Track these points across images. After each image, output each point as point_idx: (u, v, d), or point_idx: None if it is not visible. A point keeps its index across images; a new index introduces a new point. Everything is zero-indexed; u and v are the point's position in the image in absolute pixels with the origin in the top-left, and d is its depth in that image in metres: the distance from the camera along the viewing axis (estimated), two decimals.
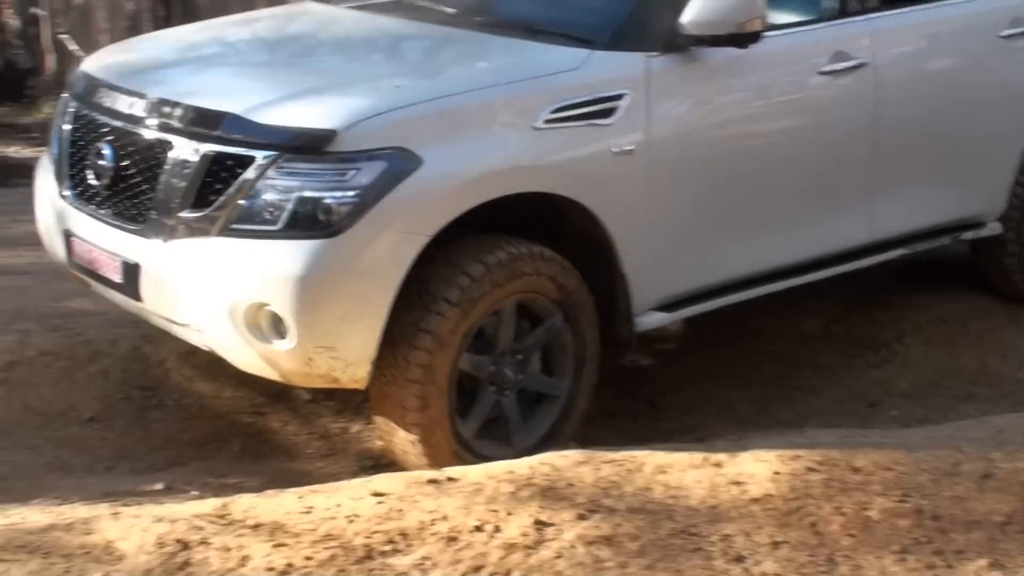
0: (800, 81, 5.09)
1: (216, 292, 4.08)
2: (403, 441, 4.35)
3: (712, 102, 4.79)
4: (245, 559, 3.63)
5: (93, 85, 4.67)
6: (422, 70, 4.77)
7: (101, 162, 4.43)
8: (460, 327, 4.20)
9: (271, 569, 3.59)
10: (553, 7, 5.06)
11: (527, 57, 4.59)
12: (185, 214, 4.13)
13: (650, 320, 4.74)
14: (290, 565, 3.60)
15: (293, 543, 3.72)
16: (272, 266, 3.98)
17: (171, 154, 4.21)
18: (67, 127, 4.70)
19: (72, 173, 4.63)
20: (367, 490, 4.03)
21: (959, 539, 3.87)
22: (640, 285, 4.61)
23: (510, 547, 3.78)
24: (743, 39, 4.54)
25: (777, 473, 4.23)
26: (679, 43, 4.57)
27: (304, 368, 4.12)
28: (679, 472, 4.22)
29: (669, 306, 4.80)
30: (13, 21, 15.82)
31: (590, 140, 4.41)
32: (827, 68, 5.07)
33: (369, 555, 3.69)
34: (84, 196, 4.54)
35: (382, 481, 4.11)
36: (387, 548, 3.73)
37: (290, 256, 3.97)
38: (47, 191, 4.83)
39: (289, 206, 3.99)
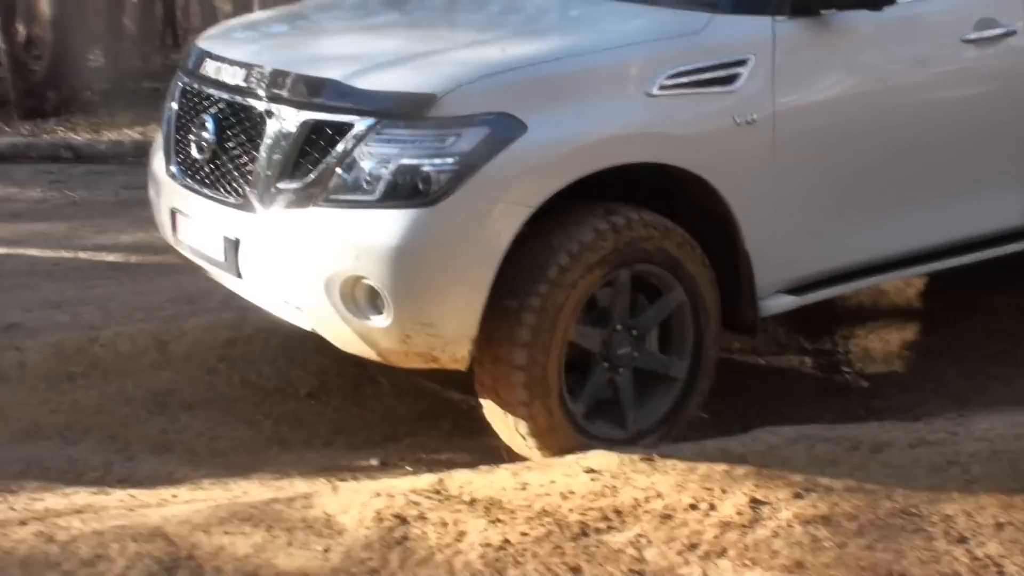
0: (941, 50, 4.75)
1: (313, 266, 3.94)
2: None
3: (844, 70, 4.51)
4: (462, 534, 3.62)
5: (201, 58, 4.59)
6: (532, 33, 4.54)
7: (204, 135, 4.34)
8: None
9: (488, 544, 3.58)
10: None
11: (644, 21, 4.40)
12: (283, 185, 4.00)
13: (777, 303, 4.47)
14: (507, 541, 3.58)
15: (508, 519, 3.71)
16: (368, 237, 3.82)
17: (271, 123, 4.09)
18: (175, 104, 4.64)
19: (178, 149, 4.56)
20: (580, 467, 3.99)
21: None
22: (765, 266, 4.34)
23: (725, 525, 3.73)
24: (877, 1, 4.30)
25: (997, 452, 4.10)
26: (809, 6, 4.33)
27: (402, 346, 3.93)
28: (897, 451, 4.14)
29: (797, 290, 4.53)
30: None
31: (710, 108, 4.18)
32: (972, 36, 4.73)
33: (584, 532, 3.66)
34: (188, 172, 4.46)
35: (595, 458, 4.06)
36: (602, 525, 3.69)
37: (386, 227, 3.80)
38: (156, 169, 4.77)
39: (387, 175, 3.82)
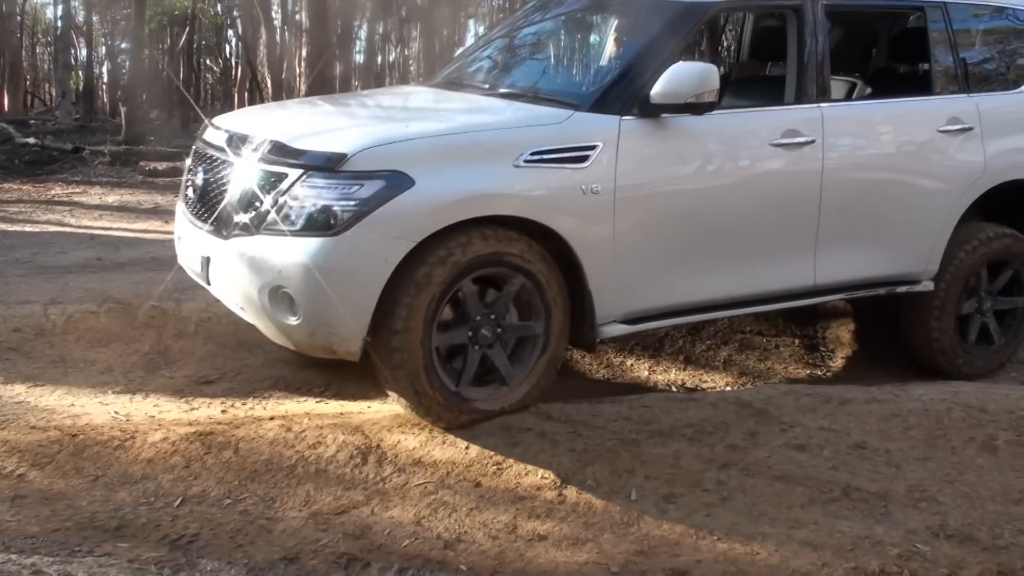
0: (753, 149, 4.71)
1: (252, 278, 4.11)
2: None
3: (672, 159, 4.51)
4: (553, 440, 4.15)
5: (206, 127, 4.80)
6: (434, 117, 4.70)
7: (197, 180, 4.55)
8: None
9: (572, 450, 4.09)
10: (552, 81, 5.03)
11: (519, 113, 4.53)
12: (239, 218, 4.17)
13: (612, 330, 4.46)
14: (588, 448, 4.09)
15: (586, 433, 4.21)
16: (288, 257, 3.98)
17: (235, 172, 4.28)
18: (189, 159, 4.84)
19: (186, 192, 4.74)
20: (638, 403, 4.48)
21: None
22: (604, 301, 4.38)
23: (733, 447, 4.18)
24: (699, 108, 4.36)
25: (927, 410, 4.47)
26: (648, 109, 4.38)
27: (308, 340, 4.10)
28: (857, 404, 4.51)
29: (631, 320, 4.51)
30: None
31: (563, 179, 4.22)
32: (779, 141, 4.71)
33: (635, 443, 4.13)
34: (189, 208, 4.63)
35: (647, 398, 4.55)
36: (648, 440, 4.17)
37: (301, 250, 3.95)
38: (177, 210, 4.94)
39: (306, 211, 3.97)
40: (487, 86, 5.06)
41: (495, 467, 4.01)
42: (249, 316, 4.28)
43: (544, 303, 4.30)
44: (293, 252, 3.97)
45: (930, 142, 5.16)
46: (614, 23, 5.19)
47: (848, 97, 5.43)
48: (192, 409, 4.73)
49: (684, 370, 5.70)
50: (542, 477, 3.96)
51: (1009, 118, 5.45)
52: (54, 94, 21.83)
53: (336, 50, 19.38)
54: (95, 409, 4.69)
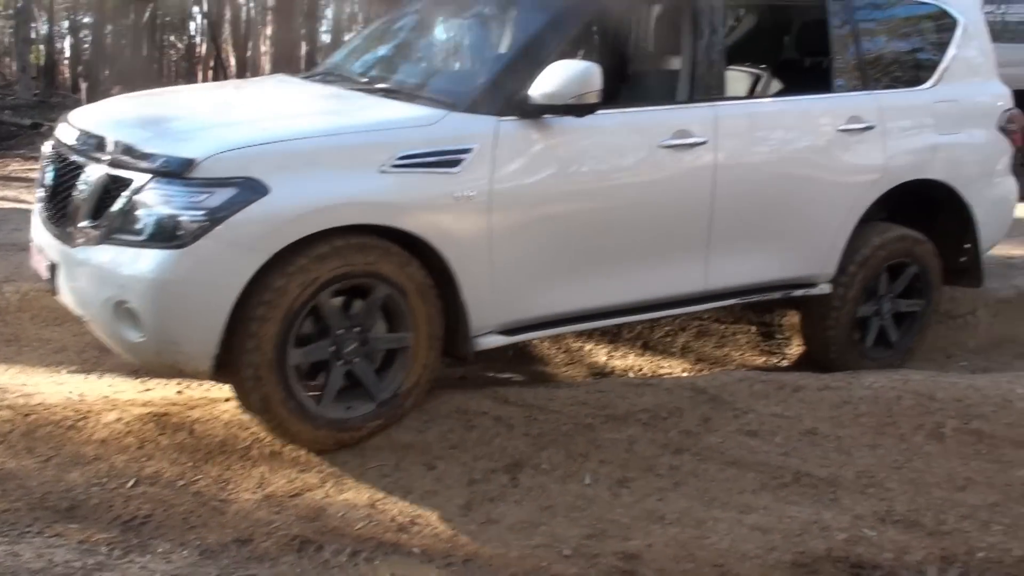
0: (640, 151, 4.47)
1: (96, 290, 3.83)
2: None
3: (554, 162, 4.24)
4: (508, 424, 4.17)
5: (59, 123, 4.49)
6: (298, 117, 4.30)
7: (46, 181, 4.27)
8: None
9: (527, 434, 4.13)
10: (432, 78, 4.73)
11: (388, 114, 4.20)
12: (84, 224, 3.88)
13: (489, 341, 4.24)
14: (543, 432, 4.14)
15: (542, 417, 4.25)
16: (132, 270, 3.69)
17: (82, 175, 3.97)
18: (43, 159, 4.47)
19: (38, 195, 4.44)
20: (594, 388, 4.53)
21: (1009, 453, 4.12)
22: (480, 311, 4.15)
23: (687, 432, 4.21)
24: (580, 110, 4.12)
25: (878, 398, 4.53)
26: (528, 110, 4.14)
27: (155, 358, 3.83)
28: (810, 391, 4.56)
29: (510, 331, 4.30)
30: None
31: (434, 185, 3.97)
32: (668, 143, 4.49)
33: (590, 427, 4.19)
34: (41, 209, 4.33)
35: (603, 383, 4.66)
36: (605, 425, 4.21)
37: (145, 262, 3.67)
38: (33, 211, 4.57)
39: (152, 221, 3.68)
40: (364, 80, 4.75)
41: (450, 450, 4.02)
42: (95, 330, 4.01)
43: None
44: (137, 264, 3.68)
45: (829, 142, 4.98)
46: (501, 16, 4.89)
47: (753, 92, 5.24)
48: (147, 390, 4.71)
49: (642, 356, 5.73)
50: (497, 461, 3.97)
51: (911, 116, 5.27)
52: (14, 68, 21.50)
53: (302, 29, 19.25)
54: (49, 388, 4.65)
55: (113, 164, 3.87)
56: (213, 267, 3.66)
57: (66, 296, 4.08)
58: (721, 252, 4.72)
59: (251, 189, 3.68)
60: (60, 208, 4.10)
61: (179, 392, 4.67)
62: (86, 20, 26.99)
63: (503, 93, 4.17)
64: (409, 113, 4.17)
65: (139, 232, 3.70)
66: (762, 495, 3.83)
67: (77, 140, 4.16)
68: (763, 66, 5.35)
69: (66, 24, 29.04)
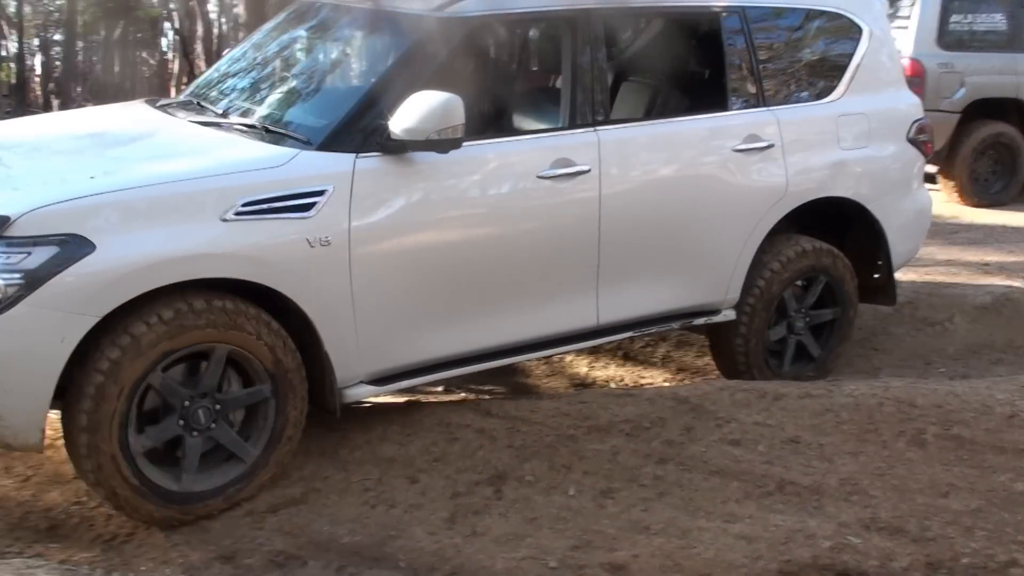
0: (515, 184, 4.21)
1: None
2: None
3: (418, 200, 3.98)
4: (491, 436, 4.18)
5: None
6: (128, 163, 3.91)
7: None
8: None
9: (510, 446, 4.13)
10: (288, 111, 4.28)
11: (233, 155, 3.89)
12: None
13: (358, 392, 3.98)
14: (526, 444, 4.14)
15: (525, 429, 4.24)
16: None
17: None
18: None
19: None
20: (576, 399, 4.53)
21: (991, 459, 4.12)
22: (345, 362, 3.89)
23: (669, 442, 4.21)
24: (442, 145, 3.86)
25: (859, 405, 4.51)
26: (388, 146, 3.87)
27: None
28: (791, 400, 4.54)
29: (381, 380, 4.06)
30: None
31: (284, 232, 3.69)
32: (547, 173, 4.24)
33: (573, 438, 4.18)
34: None
35: (585, 395, 4.63)
36: (588, 436, 4.21)
37: None
38: None
39: None
40: (220, 111, 4.37)
41: (434, 463, 4.01)
42: None
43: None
44: None
45: (724, 163, 4.76)
46: (363, 42, 4.59)
47: (644, 113, 5.01)
48: None
49: (623, 367, 5.74)
50: (480, 473, 3.96)
51: (814, 132, 5.05)
52: None
53: None
54: None
55: None
56: (34, 334, 3.32)
57: None
58: (612, 285, 4.51)
59: (75, 247, 3.36)
60: None
61: None
62: (57, 37, 26.81)
63: (361, 128, 3.90)
64: (255, 154, 3.87)
65: None
66: (747, 504, 3.83)
67: None
68: (654, 85, 5.16)
69: (36, 41, 28.87)
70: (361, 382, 4.00)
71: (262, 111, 4.26)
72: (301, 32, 4.85)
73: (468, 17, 4.28)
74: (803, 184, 4.99)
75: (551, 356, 4.80)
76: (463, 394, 5.04)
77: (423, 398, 4.93)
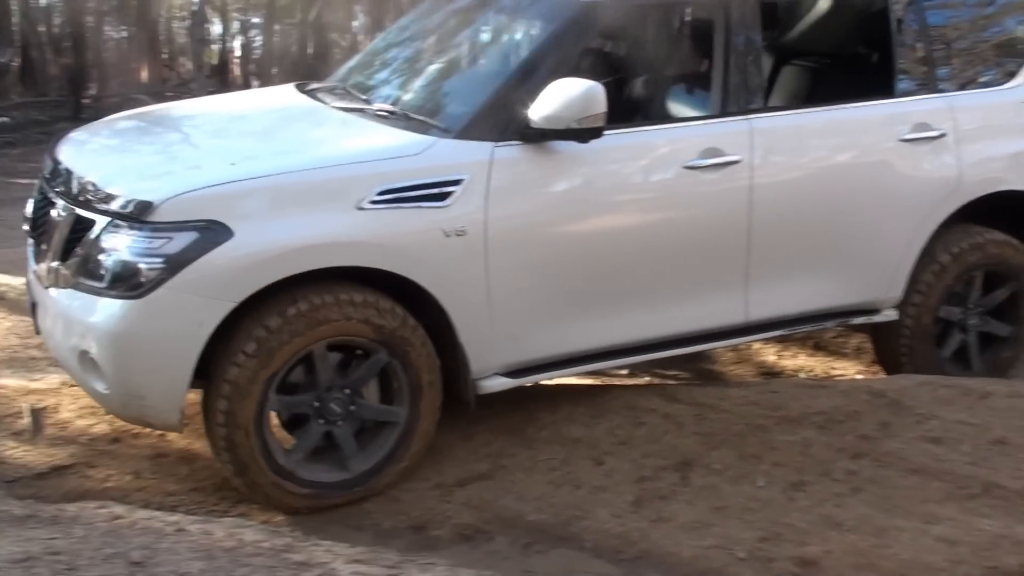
0: (660, 174, 4.08)
1: (65, 337, 3.63)
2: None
3: (557, 190, 3.90)
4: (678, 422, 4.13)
5: (48, 154, 4.22)
6: (268, 149, 3.97)
7: (28, 214, 4.09)
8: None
9: (698, 433, 4.06)
10: (429, 99, 4.21)
11: (371, 143, 3.87)
12: (56, 266, 3.65)
13: (493, 384, 3.89)
14: (714, 431, 4.08)
15: (713, 416, 4.17)
16: (93, 319, 3.48)
17: (55, 213, 3.78)
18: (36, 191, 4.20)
19: (24, 226, 4.21)
20: (766, 389, 4.44)
21: None
22: (478, 354, 3.82)
23: (864, 437, 4.07)
24: (583, 134, 3.74)
25: None
26: (528, 135, 3.77)
27: (123, 411, 3.61)
28: (999, 399, 4.33)
29: (517, 372, 3.95)
30: None
31: (419, 221, 3.65)
32: (694, 163, 4.07)
33: (763, 428, 4.09)
34: (32, 244, 4.08)
35: (775, 384, 4.54)
36: (777, 426, 4.10)
37: (105, 312, 3.45)
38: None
39: (112, 267, 3.45)
40: (363, 99, 4.31)
41: (619, 446, 4.00)
42: (71, 376, 3.85)
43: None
44: (97, 314, 3.47)
45: (889, 154, 4.46)
46: (508, 28, 4.44)
47: (805, 97, 4.78)
48: None
49: (813, 357, 5.57)
50: (666, 458, 3.92)
51: (991, 120, 4.69)
52: (189, 67, 22.54)
53: None
54: None
55: (78, 204, 3.67)
56: (173, 317, 3.41)
57: (46, 338, 3.91)
58: (762, 280, 4.29)
59: (213, 233, 3.43)
60: (39, 246, 3.89)
61: None
62: (256, 20, 28.03)
63: (501, 116, 3.82)
64: (393, 142, 3.85)
65: (100, 278, 3.48)
66: (948, 505, 3.67)
67: (50, 172, 3.98)
68: (812, 69, 4.88)
69: (237, 24, 30.23)
70: (496, 374, 3.92)
71: (404, 98, 4.24)
72: (445, 18, 4.78)
73: (614, 1, 4.17)
74: (978, 177, 4.64)
75: (696, 352, 4.57)
76: (648, 378, 4.98)
77: (608, 381, 4.90)
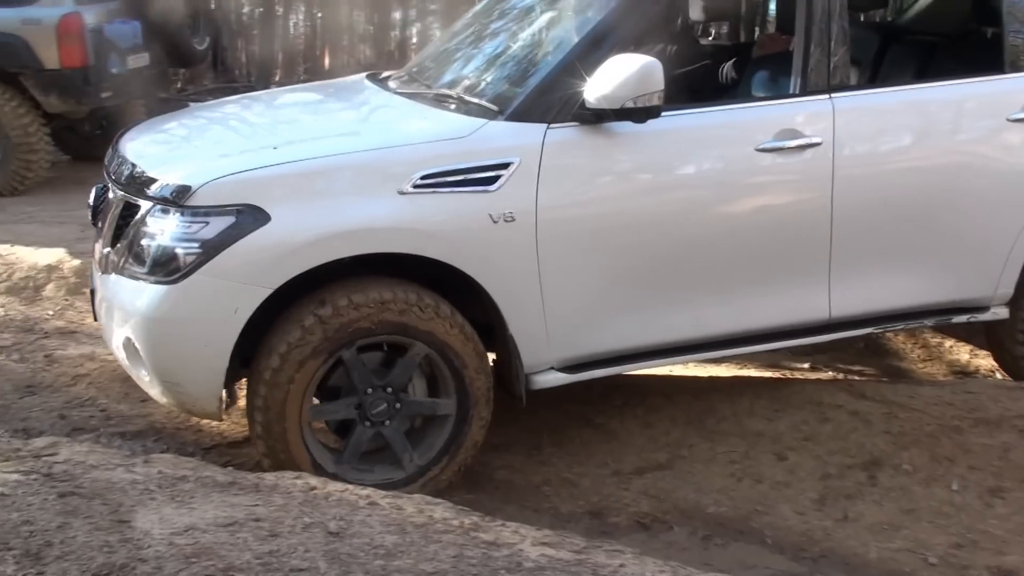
0: (728, 158, 3.82)
1: (115, 323, 3.61)
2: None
3: (614, 175, 3.70)
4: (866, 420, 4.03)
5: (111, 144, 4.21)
6: (315, 135, 3.89)
7: (90, 200, 4.06)
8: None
9: (887, 432, 3.96)
10: (482, 81, 4.01)
11: (418, 125, 3.80)
12: (107, 251, 3.65)
13: (547, 379, 3.72)
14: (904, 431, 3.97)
15: (903, 415, 4.03)
16: (134, 305, 3.45)
17: (110, 200, 3.79)
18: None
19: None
20: (961, 389, 4.26)
21: None
22: (530, 347, 3.65)
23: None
24: (638, 113, 3.52)
25: None
26: (583, 116, 3.58)
27: (164, 397, 3.56)
28: None
29: (573, 367, 3.77)
30: None
31: (465, 206, 3.49)
32: (767, 145, 3.80)
33: (958, 430, 3.93)
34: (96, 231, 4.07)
35: (971, 384, 4.34)
36: (973, 428, 3.96)
37: (143, 297, 3.42)
38: None
39: (152, 252, 3.41)
40: (427, 84, 4.21)
41: (803, 441, 3.92)
42: (121, 363, 3.79)
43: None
44: (138, 299, 3.44)
45: (996, 137, 4.11)
46: (567, 6, 4.22)
47: (901, 73, 4.45)
48: None
49: None
50: (853, 457, 3.83)
51: None
52: (369, 55, 23.20)
53: None
54: None
55: (126, 189, 3.67)
56: (209, 303, 3.37)
57: (102, 326, 3.88)
58: (847, 274, 4.00)
59: (250, 217, 3.36)
60: (98, 232, 3.91)
61: None
62: (433, 7, 28.55)
63: (554, 97, 3.62)
64: (440, 124, 3.74)
65: (143, 264, 3.45)
66: None
67: (108, 162, 3.99)
68: (912, 44, 4.50)
69: (414, 12, 30.88)
70: (552, 368, 3.76)
71: (463, 81, 4.09)
72: (515, 1, 4.59)
73: None
74: None
75: (775, 350, 4.30)
76: (831, 373, 4.85)
77: (791, 374, 4.81)
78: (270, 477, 3.06)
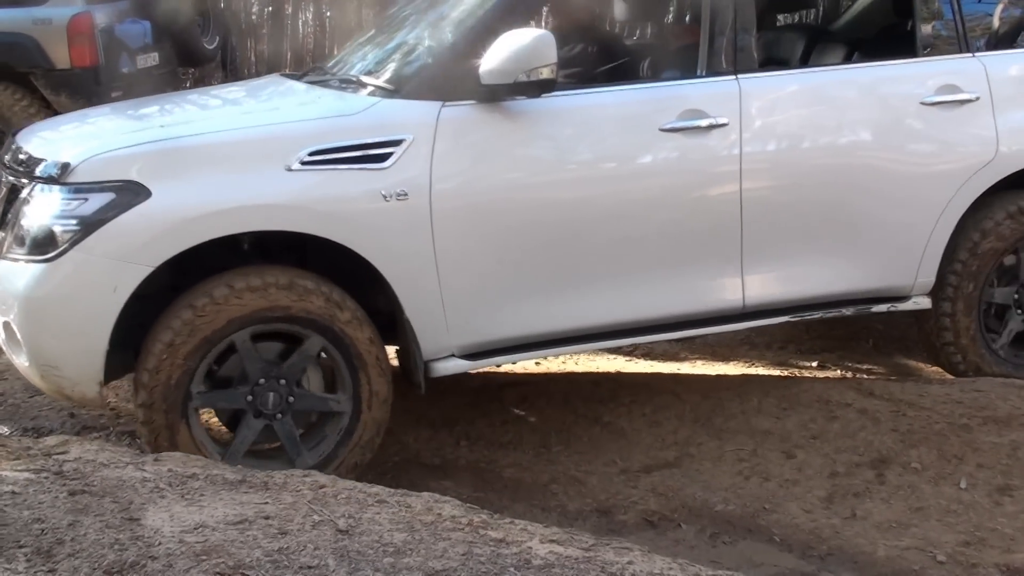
0: (630, 137, 3.73)
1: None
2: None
3: (511, 153, 3.61)
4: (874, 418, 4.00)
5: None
6: (203, 113, 3.90)
7: None
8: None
9: (895, 430, 3.94)
10: (382, 63, 4.02)
11: (312, 105, 3.78)
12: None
13: (447, 366, 3.62)
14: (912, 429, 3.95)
15: (912, 414, 4.02)
16: (11, 286, 3.35)
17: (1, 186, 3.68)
18: None
19: None
20: (970, 387, 4.23)
21: None
22: (429, 333, 3.56)
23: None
24: (531, 88, 3.47)
25: None
26: (478, 93, 3.52)
27: (43, 383, 3.44)
28: None
29: (475, 354, 3.68)
30: None
31: (356, 183, 3.42)
32: (672, 125, 3.72)
33: (966, 428, 3.92)
34: None
35: (980, 383, 4.27)
36: (982, 426, 3.93)
37: (20, 277, 3.32)
38: None
39: (31, 232, 3.33)
40: (335, 74, 4.18)
41: (811, 440, 3.92)
42: (5, 352, 3.65)
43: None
44: (15, 280, 3.34)
45: (908, 120, 4.04)
46: None
47: (810, 56, 4.41)
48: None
49: None
50: (861, 455, 3.82)
51: None
52: None
53: None
54: None
55: (13, 172, 3.60)
56: (85, 281, 3.27)
57: None
58: (761, 261, 3.91)
59: (131, 194, 3.28)
60: None
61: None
62: None
63: (450, 74, 3.58)
64: (332, 104, 3.74)
65: (23, 244, 3.37)
66: None
67: (3, 151, 3.92)
68: (820, 26, 4.48)
69: None
70: (452, 355, 3.66)
71: (365, 67, 4.08)
72: None
73: None
74: (1021, 146, 4.17)
75: (689, 339, 4.29)
76: (839, 371, 4.85)
77: (799, 373, 4.81)
78: (279, 475, 3.07)
